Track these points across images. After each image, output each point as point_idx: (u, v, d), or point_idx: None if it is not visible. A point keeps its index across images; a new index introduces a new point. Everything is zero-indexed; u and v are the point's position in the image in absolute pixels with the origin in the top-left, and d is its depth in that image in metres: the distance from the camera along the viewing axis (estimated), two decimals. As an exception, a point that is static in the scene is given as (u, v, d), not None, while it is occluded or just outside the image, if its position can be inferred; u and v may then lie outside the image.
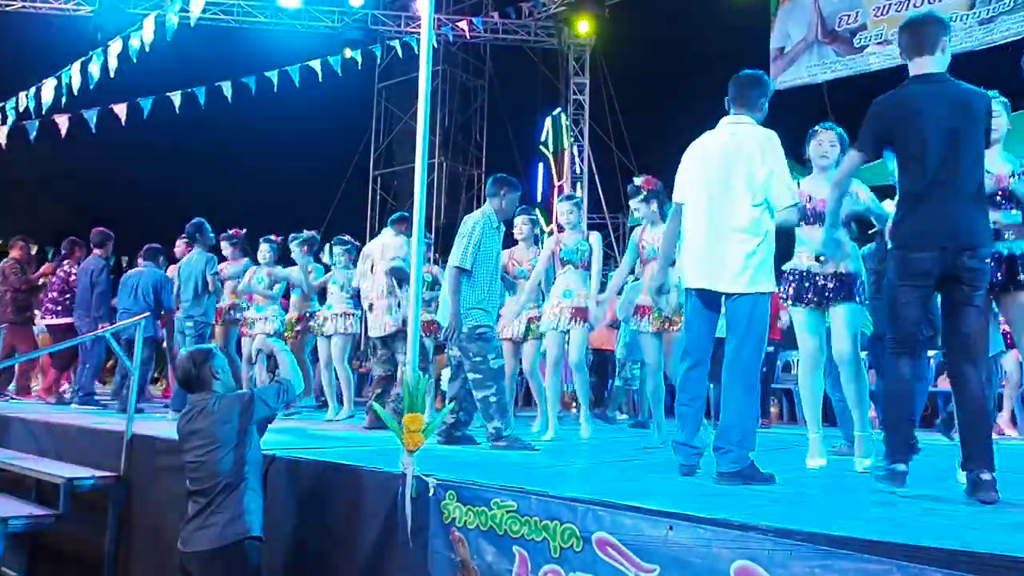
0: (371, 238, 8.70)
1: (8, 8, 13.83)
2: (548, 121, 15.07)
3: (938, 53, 3.13)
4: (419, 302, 3.55)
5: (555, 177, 14.79)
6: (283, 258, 7.40)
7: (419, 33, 4.47)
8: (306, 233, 7.40)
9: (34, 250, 8.95)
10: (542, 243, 6.09)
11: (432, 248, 15.47)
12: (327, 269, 7.38)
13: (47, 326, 8.22)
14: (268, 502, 3.62)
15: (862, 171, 3.35)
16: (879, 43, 10.95)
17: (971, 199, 2.98)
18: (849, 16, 11.36)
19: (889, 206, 4.41)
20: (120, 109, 9.29)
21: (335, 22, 15.01)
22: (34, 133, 9.28)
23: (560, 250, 5.41)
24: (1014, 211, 3.67)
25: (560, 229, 5.75)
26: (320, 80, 10.69)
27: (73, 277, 7.89)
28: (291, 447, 4.15)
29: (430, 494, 3.07)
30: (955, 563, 1.92)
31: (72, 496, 4.53)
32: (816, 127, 4.23)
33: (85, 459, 5.05)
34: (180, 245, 8.15)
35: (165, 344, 7.89)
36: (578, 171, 15.35)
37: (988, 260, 3.03)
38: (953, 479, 3.16)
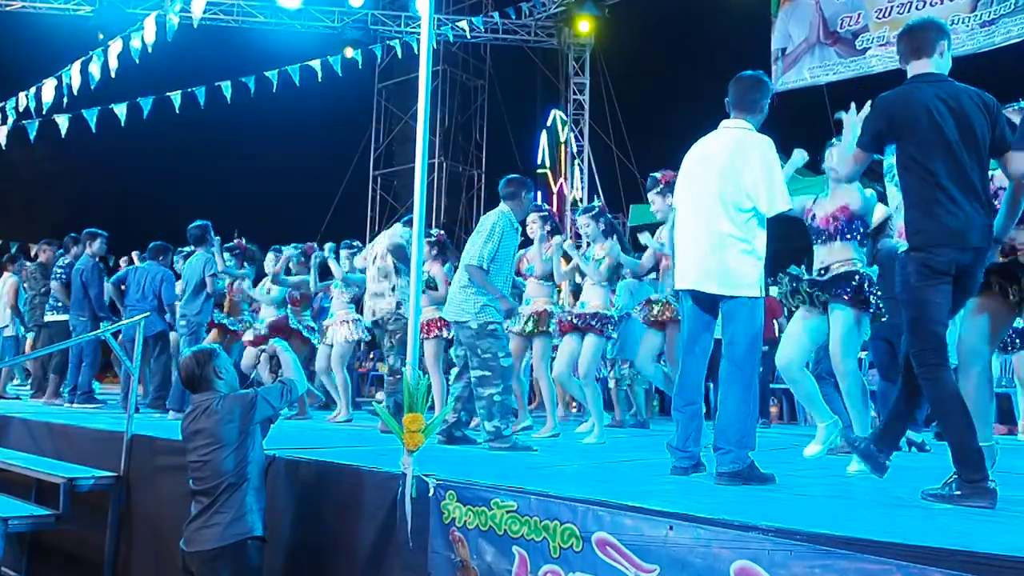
0: (371, 238, 8.70)
1: (8, 8, 13.84)
2: (543, 137, 15.12)
3: (936, 56, 3.10)
4: (419, 301, 3.55)
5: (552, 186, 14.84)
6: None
7: (419, 33, 4.48)
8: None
9: (33, 251, 9.04)
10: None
11: (432, 248, 15.50)
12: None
13: (46, 323, 8.26)
14: (268, 502, 3.62)
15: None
16: (881, 45, 10.93)
17: (979, 201, 2.92)
18: (851, 18, 11.35)
19: (880, 211, 4.42)
20: (120, 109, 9.29)
21: (335, 22, 15.03)
22: (34, 133, 9.29)
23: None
24: None
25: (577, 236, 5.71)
26: (320, 80, 10.69)
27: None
28: (291, 447, 4.15)
29: (430, 494, 3.07)
30: (955, 563, 1.92)
31: (72, 496, 4.53)
32: (833, 139, 4.17)
33: (85, 459, 5.05)
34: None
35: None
36: (578, 171, 15.37)
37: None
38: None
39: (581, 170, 15.42)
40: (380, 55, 13.60)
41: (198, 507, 3.43)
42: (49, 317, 8.14)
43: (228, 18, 14.74)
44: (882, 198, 4.35)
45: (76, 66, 8.12)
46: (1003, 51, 9.90)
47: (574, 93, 15.45)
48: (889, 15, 10.84)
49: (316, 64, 10.63)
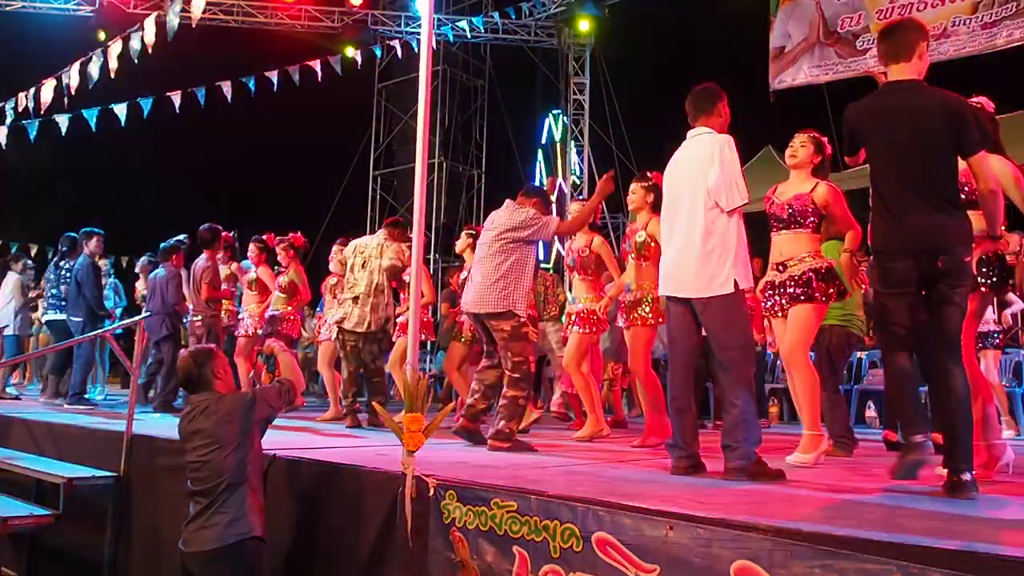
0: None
1: (8, 8, 13.82)
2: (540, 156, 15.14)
3: (914, 59, 3.18)
4: (417, 306, 3.55)
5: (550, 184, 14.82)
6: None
7: (419, 33, 4.48)
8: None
9: (33, 251, 9.03)
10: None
11: (432, 248, 15.52)
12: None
13: (47, 322, 8.26)
14: (268, 502, 3.62)
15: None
16: (882, 45, 10.89)
17: (937, 203, 3.01)
18: (852, 18, 11.34)
19: None
20: (120, 109, 9.29)
21: (335, 22, 15.02)
22: (34, 133, 9.29)
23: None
24: None
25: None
26: (320, 80, 10.69)
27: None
28: (291, 447, 4.15)
29: (430, 494, 3.07)
30: (955, 563, 1.92)
31: (72, 496, 4.53)
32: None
33: (85, 459, 5.05)
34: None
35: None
36: (578, 171, 15.36)
37: (967, 259, 3.04)
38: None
39: (581, 170, 15.41)
40: (380, 55, 13.59)
41: (197, 507, 3.42)
42: (50, 316, 8.14)
43: (228, 18, 14.72)
44: None
45: (76, 66, 8.12)
46: (1004, 52, 9.87)
47: (574, 93, 15.43)
48: (890, 15, 10.79)
49: (316, 64, 10.64)
